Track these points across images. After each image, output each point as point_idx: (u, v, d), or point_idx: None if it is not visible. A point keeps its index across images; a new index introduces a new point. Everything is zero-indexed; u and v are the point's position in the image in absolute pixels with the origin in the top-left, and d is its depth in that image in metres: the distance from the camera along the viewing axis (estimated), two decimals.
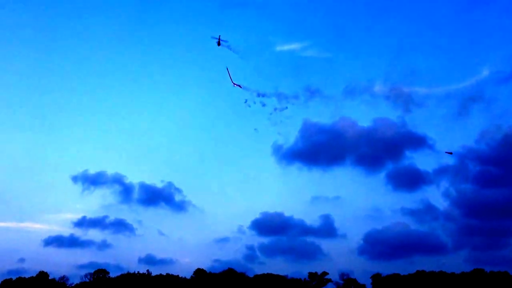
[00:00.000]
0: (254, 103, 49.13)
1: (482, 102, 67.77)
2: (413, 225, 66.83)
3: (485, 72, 70.27)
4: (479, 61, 75.56)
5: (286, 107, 52.53)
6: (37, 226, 70.90)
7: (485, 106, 72.07)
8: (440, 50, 78.14)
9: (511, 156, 64.01)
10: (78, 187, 73.76)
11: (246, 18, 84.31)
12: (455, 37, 79.21)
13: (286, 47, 71.71)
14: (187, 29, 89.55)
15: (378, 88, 61.22)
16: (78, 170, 77.81)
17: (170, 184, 73.98)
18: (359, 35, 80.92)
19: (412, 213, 66.77)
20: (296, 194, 75.63)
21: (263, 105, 50.28)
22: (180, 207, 73.28)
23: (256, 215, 68.44)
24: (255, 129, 62.38)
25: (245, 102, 48.08)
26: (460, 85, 68.64)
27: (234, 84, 42.29)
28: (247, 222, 70.23)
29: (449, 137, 76.65)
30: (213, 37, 41.22)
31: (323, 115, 78.05)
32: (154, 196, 73.53)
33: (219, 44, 41.32)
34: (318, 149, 71.26)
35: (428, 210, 66.21)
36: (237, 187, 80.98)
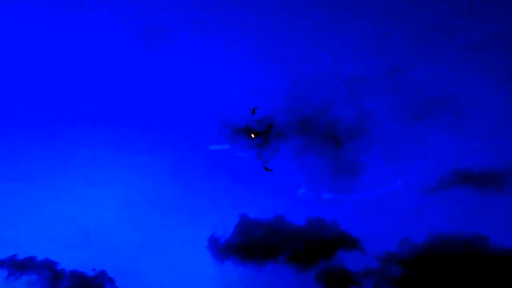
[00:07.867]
0: None
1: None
2: None
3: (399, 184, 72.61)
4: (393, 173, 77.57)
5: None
6: None
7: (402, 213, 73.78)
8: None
9: (432, 261, 67.09)
10: (2, 273, 70.05)
11: None
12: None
13: None
14: None
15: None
16: (5, 254, 73.87)
17: (102, 272, 71.02)
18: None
19: None
20: None
21: None
22: None
23: None
24: None
25: None
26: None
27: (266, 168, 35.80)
28: None
29: (375, 240, 78.08)
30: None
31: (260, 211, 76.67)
32: (84, 286, 70.42)
33: (253, 112, 35.70)
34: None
35: None
36: (173, 280, 77.42)
